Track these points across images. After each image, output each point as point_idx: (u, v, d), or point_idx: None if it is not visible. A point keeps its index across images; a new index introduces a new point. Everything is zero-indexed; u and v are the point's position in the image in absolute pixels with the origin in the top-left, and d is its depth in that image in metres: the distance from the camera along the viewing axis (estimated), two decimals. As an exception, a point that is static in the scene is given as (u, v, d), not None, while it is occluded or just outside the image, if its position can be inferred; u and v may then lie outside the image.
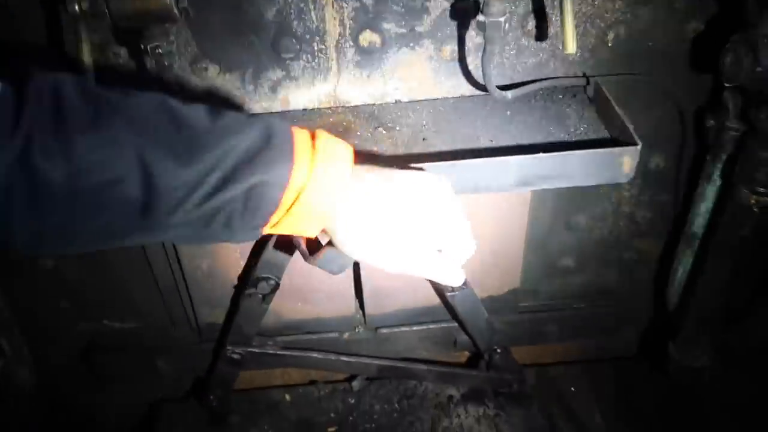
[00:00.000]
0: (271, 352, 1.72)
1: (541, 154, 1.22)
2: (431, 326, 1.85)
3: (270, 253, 1.52)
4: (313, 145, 0.81)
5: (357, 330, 1.85)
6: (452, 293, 1.60)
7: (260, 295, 1.56)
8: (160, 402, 1.93)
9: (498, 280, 1.76)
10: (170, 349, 1.82)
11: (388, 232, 0.88)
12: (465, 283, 1.58)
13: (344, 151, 0.84)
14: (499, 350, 1.83)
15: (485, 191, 1.26)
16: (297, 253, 1.51)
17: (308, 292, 1.71)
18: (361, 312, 1.84)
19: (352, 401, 1.92)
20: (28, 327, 1.78)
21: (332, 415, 1.89)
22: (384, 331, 1.85)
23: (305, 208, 0.80)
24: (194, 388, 1.90)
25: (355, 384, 1.94)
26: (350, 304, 1.76)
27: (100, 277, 1.71)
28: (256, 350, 1.71)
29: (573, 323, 1.90)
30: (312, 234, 0.86)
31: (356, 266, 1.66)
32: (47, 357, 1.85)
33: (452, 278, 0.99)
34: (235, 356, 1.68)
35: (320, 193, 0.80)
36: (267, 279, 1.54)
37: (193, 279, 1.66)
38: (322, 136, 0.84)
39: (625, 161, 1.23)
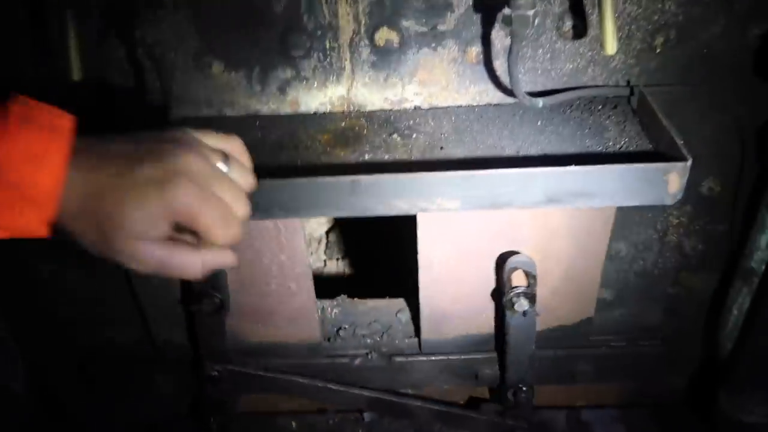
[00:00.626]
0: (251, 372, 1.57)
1: (573, 167, 1.05)
2: (451, 357, 1.66)
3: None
4: (8, 112, 0.63)
5: (369, 356, 1.69)
6: (513, 315, 1.43)
7: (208, 312, 1.43)
8: (157, 423, 1.80)
9: (570, 307, 1.54)
10: (170, 365, 1.69)
11: (120, 217, 0.68)
12: (534, 310, 1.41)
13: (57, 117, 0.67)
14: (524, 388, 1.63)
15: (507, 206, 1.09)
16: (243, 268, 1.41)
17: (265, 314, 1.55)
18: (415, 336, 1.68)
19: (363, 434, 1.75)
20: (23, 336, 1.67)
21: (339, 448, 1.73)
22: (399, 359, 1.67)
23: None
24: (192, 410, 1.76)
25: (367, 415, 1.76)
26: (314, 328, 1.60)
27: (98, 286, 1.60)
28: (236, 369, 1.56)
29: (610, 363, 1.69)
30: (38, 231, 0.67)
31: (415, 285, 1.50)
32: (44, 367, 1.74)
33: (191, 269, 0.76)
34: (214, 373, 1.54)
35: (15, 169, 0.62)
36: (210, 296, 1.41)
37: (145, 292, 1.55)
38: (22, 100, 0.65)
39: (671, 179, 1.04)
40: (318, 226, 2.77)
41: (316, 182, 1.08)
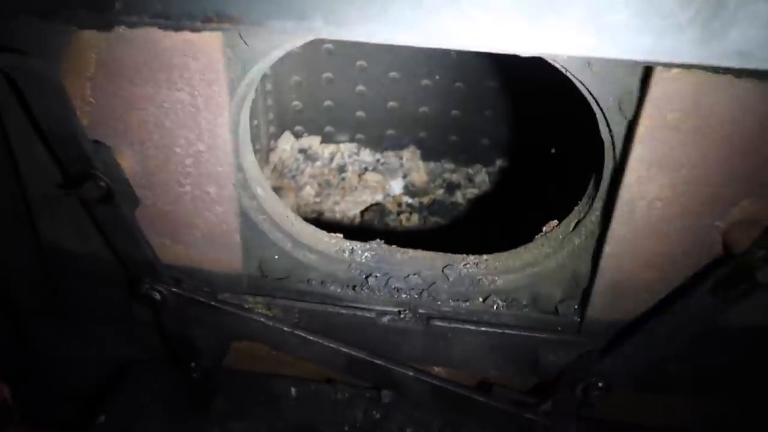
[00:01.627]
0: (202, 300, 1.18)
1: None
2: (509, 332, 1.26)
3: (83, 139, 1.03)
4: None
5: (403, 315, 1.30)
6: (723, 292, 1.01)
7: (95, 198, 1.08)
8: (131, 363, 1.42)
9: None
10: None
11: None
12: None
13: None
14: (601, 385, 1.21)
15: (673, 58, 0.71)
16: (149, 155, 1.07)
17: (177, 225, 1.19)
18: (577, 307, 1.24)
19: (377, 416, 1.34)
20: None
21: (346, 427, 1.32)
22: (439, 324, 1.28)
23: None
24: (172, 350, 1.37)
25: (385, 394, 1.36)
26: (235, 252, 1.21)
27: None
28: (183, 293, 1.18)
29: (714, 371, 1.26)
30: None
31: (600, 241, 1.13)
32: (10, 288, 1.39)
33: None
34: (154, 295, 1.17)
35: None
36: (94, 178, 1.06)
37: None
38: None
39: None
40: (354, 205, 2.44)
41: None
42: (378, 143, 2.54)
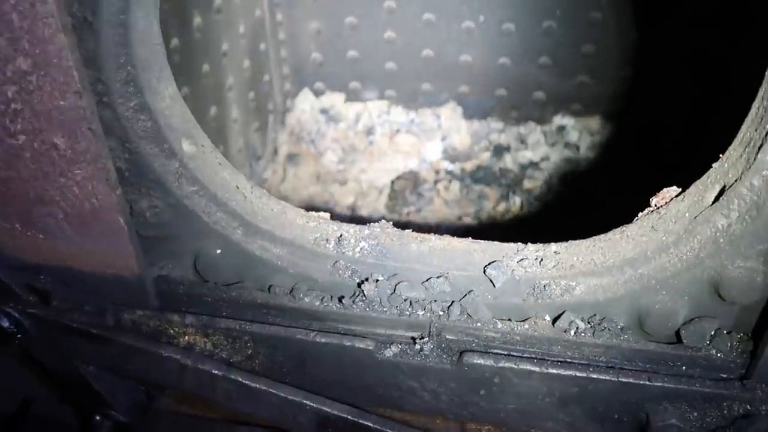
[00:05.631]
0: (79, 327, 0.64)
1: None
2: (596, 376, 0.68)
3: None
4: None
5: (418, 346, 0.72)
6: None
7: None
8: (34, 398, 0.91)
9: None
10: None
11: None
12: None
13: None
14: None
15: None
16: None
17: (27, 200, 0.65)
18: (720, 330, 0.68)
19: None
20: None
21: None
22: (478, 362, 0.70)
23: None
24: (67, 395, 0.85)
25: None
26: (124, 248, 0.68)
27: None
28: (47, 317, 0.64)
29: None
30: None
31: None
32: None
33: None
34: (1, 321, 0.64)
35: None
36: None
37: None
38: None
39: None
40: (383, 173, 1.91)
41: None
42: (412, 100, 1.98)
